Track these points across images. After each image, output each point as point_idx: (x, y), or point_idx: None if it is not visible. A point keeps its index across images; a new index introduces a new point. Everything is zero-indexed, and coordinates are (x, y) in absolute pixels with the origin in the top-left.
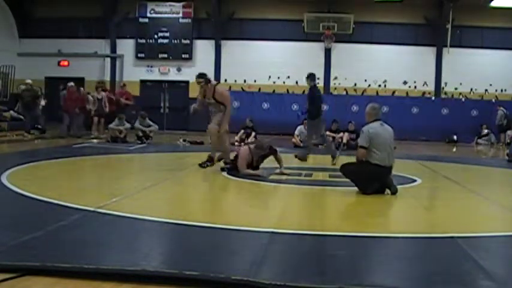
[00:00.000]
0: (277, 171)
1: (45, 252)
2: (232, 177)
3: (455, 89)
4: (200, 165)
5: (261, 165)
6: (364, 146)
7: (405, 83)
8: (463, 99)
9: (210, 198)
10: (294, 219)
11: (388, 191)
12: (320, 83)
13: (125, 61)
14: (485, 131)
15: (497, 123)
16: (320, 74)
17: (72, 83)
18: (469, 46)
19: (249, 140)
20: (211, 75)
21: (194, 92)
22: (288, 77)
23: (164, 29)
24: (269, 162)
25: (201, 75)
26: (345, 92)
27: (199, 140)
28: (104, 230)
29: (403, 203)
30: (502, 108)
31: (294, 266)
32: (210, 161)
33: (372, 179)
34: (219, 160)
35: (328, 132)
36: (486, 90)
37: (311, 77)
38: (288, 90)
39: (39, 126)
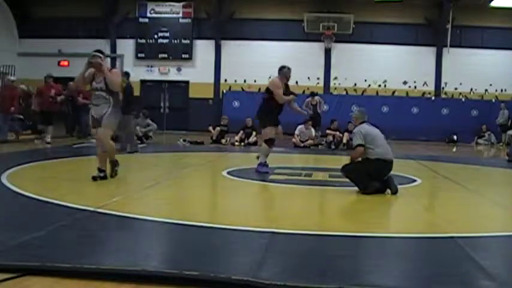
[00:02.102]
0: None
1: (45, 252)
2: (232, 177)
3: (455, 89)
4: (94, 178)
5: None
6: (361, 143)
7: (405, 83)
8: (463, 99)
9: (210, 198)
10: (294, 219)
11: (388, 190)
12: (320, 83)
13: (125, 61)
14: (487, 134)
15: (502, 122)
16: (320, 74)
17: (10, 77)
18: (469, 46)
19: (250, 141)
20: (211, 75)
21: (194, 92)
22: None
23: (164, 29)
24: (269, 162)
25: (100, 51)
26: (345, 92)
27: (199, 140)
28: (104, 230)
29: (403, 203)
30: (505, 108)
31: (294, 266)
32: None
33: (374, 175)
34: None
35: (328, 131)
36: (486, 90)
37: (127, 75)
38: None
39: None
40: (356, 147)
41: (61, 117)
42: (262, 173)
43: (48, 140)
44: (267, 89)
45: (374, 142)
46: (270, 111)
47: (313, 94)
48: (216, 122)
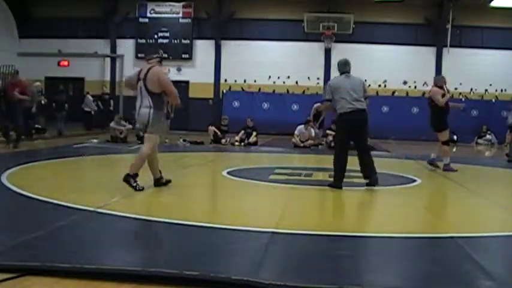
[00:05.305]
0: None
1: (45, 252)
2: (232, 177)
3: (455, 89)
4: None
5: (261, 165)
6: (327, 98)
7: (405, 83)
8: (463, 99)
9: (210, 198)
10: (294, 219)
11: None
12: (320, 83)
13: (125, 61)
14: (488, 136)
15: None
16: (320, 74)
17: None
18: (469, 46)
19: (250, 141)
20: (211, 75)
21: (194, 92)
22: (288, 77)
23: (164, 29)
24: (269, 162)
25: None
26: None
27: (199, 140)
28: (104, 230)
29: (403, 203)
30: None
31: (294, 266)
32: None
33: (345, 137)
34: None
35: (328, 131)
36: (486, 90)
37: None
38: (288, 90)
39: (38, 126)
40: (324, 101)
41: None
42: (452, 170)
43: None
44: (430, 98)
45: (339, 95)
46: (440, 115)
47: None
48: (216, 122)
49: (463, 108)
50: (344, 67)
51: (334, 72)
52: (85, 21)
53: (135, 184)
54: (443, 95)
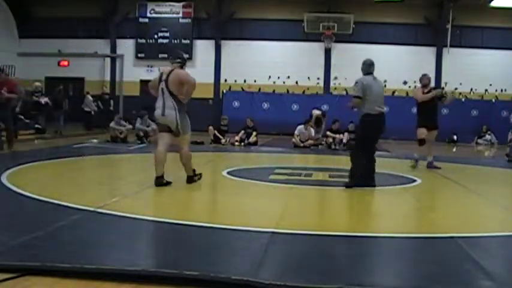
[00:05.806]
0: None
1: (45, 252)
2: (232, 177)
3: (455, 89)
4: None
5: (261, 165)
6: (359, 96)
7: (405, 83)
8: (463, 99)
9: (210, 198)
10: (294, 219)
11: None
12: (320, 83)
13: (125, 61)
14: (488, 136)
15: None
16: (320, 74)
17: None
18: (469, 46)
19: (250, 140)
20: (211, 75)
21: (194, 92)
22: (288, 77)
23: (164, 29)
24: (269, 162)
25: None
26: (345, 92)
27: (199, 140)
28: (104, 230)
29: (403, 203)
30: None
31: (294, 266)
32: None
33: (368, 132)
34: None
35: (328, 132)
36: (486, 90)
37: None
38: (288, 90)
39: (39, 126)
40: (354, 98)
41: None
42: (415, 166)
43: None
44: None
45: (369, 97)
46: (419, 114)
47: (324, 114)
48: (216, 122)
49: (457, 97)
50: (369, 68)
51: (334, 72)
52: (85, 21)
53: (197, 179)
54: (424, 93)
